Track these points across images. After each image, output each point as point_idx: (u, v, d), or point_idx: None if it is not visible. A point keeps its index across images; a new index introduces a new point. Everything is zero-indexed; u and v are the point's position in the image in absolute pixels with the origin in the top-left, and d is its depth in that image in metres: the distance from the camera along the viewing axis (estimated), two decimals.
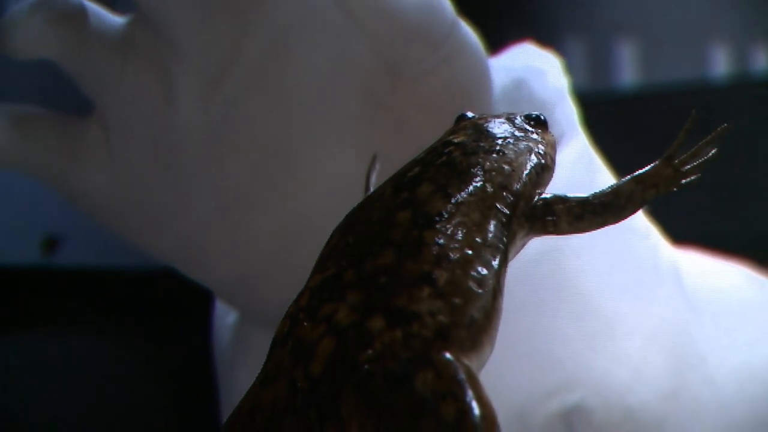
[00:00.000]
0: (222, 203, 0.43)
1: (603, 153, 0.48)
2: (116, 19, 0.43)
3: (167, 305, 0.57)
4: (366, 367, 0.26)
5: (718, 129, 0.31)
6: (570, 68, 0.93)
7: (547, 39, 0.91)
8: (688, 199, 0.72)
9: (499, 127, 0.32)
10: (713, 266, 0.53)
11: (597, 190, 0.32)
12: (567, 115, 0.46)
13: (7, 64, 0.43)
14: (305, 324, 0.28)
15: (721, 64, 0.94)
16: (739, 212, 0.73)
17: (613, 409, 0.44)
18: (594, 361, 0.44)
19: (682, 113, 0.85)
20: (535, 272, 0.42)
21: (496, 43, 0.50)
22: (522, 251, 0.32)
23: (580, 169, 0.43)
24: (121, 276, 0.64)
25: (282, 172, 0.42)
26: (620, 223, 0.44)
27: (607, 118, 0.75)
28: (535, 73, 0.47)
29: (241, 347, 0.47)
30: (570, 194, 0.31)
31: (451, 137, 0.32)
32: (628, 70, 0.93)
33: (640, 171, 0.31)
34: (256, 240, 0.42)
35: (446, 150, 0.31)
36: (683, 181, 0.31)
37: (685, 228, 0.53)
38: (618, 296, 0.45)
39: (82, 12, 0.41)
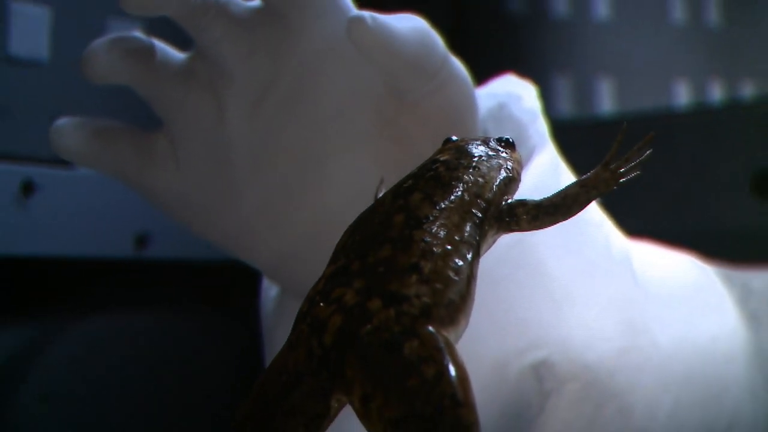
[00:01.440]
0: (264, 200, 0.43)
1: (584, 168, 0.48)
2: (179, 54, 0.43)
3: (230, 287, 0.56)
4: (366, 338, 0.26)
5: (645, 139, 0.30)
6: (558, 99, 0.93)
7: (539, 76, 0.90)
8: (646, 204, 0.71)
9: (476, 148, 0.32)
10: (662, 254, 0.53)
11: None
12: (539, 132, 0.46)
13: (91, 87, 0.42)
14: (320, 304, 0.27)
15: (682, 96, 0.93)
16: (687, 214, 0.72)
17: (573, 363, 0.44)
18: (558, 326, 0.44)
19: (653, 143, 0.85)
20: (510, 256, 0.42)
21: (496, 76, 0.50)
22: (499, 239, 0.31)
23: (549, 174, 0.43)
24: (196, 266, 0.64)
25: (310, 175, 0.43)
26: (580, 217, 0.44)
27: (589, 139, 0.75)
28: (514, 97, 0.47)
29: (280, 314, 0.48)
30: (528, 199, 0.30)
31: (438, 156, 0.31)
32: (606, 101, 0.92)
33: (583, 176, 0.31)
34: (292, 230, 0.42)
35: (433, 166, 0.31)
36: (620, 180, 0.30)
37: (642, 227, 0.53)
38: (577, 275, 0.45)
39: (150, 48, 0.41)
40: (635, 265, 0.48)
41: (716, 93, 0.93)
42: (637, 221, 0.55)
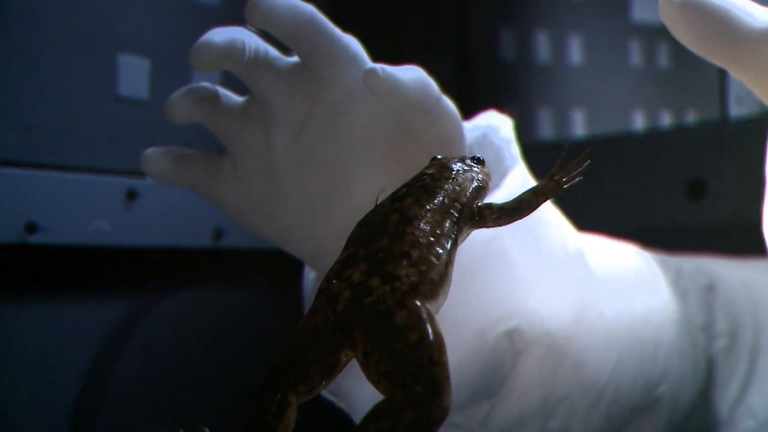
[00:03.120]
0: (302, 208, 0.43)
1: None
2: (238, 98, 0.43)
3: (281, 271, 0.56)
4: (368, 308, 0.26)
5: (581, 156, 0.30)
6: (541, 127, 0.92)
7: (527, 109, 0.91)
8: (604, 204, 0.71)
9: (455, 164, 0.32)
10: (611, 245, 0.53)
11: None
12: (512, 155, 0.46)
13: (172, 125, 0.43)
14: (334, 281, 0.27)
15: (638, 123, 0.92)
16: (635, 213, 0.72)
17: (537, 330, 0.44)
18: (525, 302, 0.44)
19: (611, 155, 0.86)
20: (488, 249, 0.42)
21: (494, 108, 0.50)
22: (479, 237, 0.32)
23: (519, 186, 0.43)
24: (258, 254, 0.64)
25: (337, 189, 0.42)
26: (542, 219, 0.44)
27: (565, 157, 0.74)
28: (493, 129, 0.46)
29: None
30: (494, 203, 0.30)
31: (425, 170, 0.31)
32: (579, 127, 0.91)
33: (535, 185, 0.30)
34: (323, 230, 0.42)
35: (422, 178, 0.31)
36: (563, 188, 0.30)
37: (600, 223, 0.54)
38: (540, 264, 0.44)
39: (215, 95, 0.41)
40: (587, 254, 0.48)
41: (665, 120, 0.93)
42: (595, 219, 0.55)
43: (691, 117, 0.94)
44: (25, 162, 0.57)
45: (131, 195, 0.60)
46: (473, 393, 0.44)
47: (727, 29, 0.30)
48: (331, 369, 0.27)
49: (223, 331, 0.67)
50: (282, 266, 0.53)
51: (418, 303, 0.26)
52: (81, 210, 0.58)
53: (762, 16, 0.30)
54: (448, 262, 0.28)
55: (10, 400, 0.58)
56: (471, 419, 0.45)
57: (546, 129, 0.89)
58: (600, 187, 0.73)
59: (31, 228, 0.56)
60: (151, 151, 0.42)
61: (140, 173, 0.45)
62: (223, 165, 0.43)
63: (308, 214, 0.43)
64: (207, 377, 0.63)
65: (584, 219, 0.51)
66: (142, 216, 0.61)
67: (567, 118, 0.91)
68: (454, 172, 0.31)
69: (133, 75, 0.62)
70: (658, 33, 0.89)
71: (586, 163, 0.30)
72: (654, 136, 0.86)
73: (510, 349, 0.43)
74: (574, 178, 0.30)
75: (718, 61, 0.31)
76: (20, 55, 0.57)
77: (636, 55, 0.93)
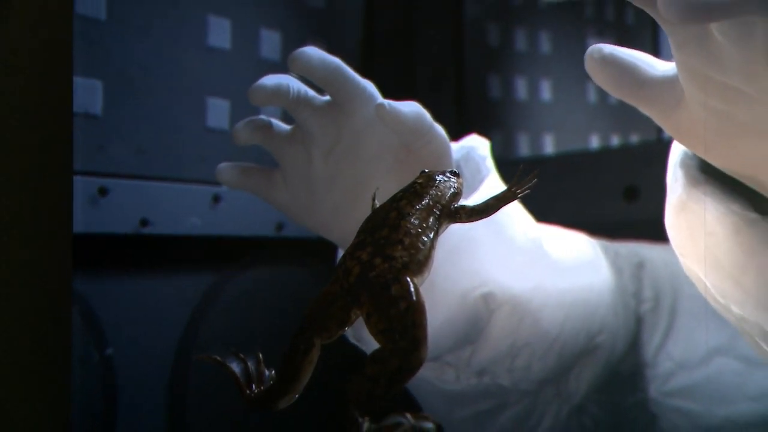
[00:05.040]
0: (333, 207, 0.42)
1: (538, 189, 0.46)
2: (286, 126, 0.42)
3: (321, 253, 0.55)
4: (372, 280, 0.26)
5: (532, 174, 0.30)
6: (520, 147, 0.91)
7: (509, 134, 0.90)
8: (562, 205, 0.71)
9: (438, 176, 0.31)
10: (565, 233, 0.52)
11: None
12: (487, 167, 0.45)
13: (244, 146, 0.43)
14: (348, 260, 0.27)
15: (594, 143, 0.91)
16: (585, 211, 0.71)
17: (505, 294, 0.43)
18: (496, 274, 0.43)
19: (571, 167, 0.84)
20: (468, 235, 0.42)
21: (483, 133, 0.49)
22: (461, 225, 0.31)
23: (491, 190, 0.43)
24: (307, 240, 0.63)
25: (359, 192, 0.42)
26: (509, 216, 0.44)
27: (541, 172, 0.74)
28: (474, 148, 0.46)
29: None
30: (467, 204, 0.30)
31: (417, 180, 0.31)
32: (549, 148, 0.91)
33: (498, 193, 0.30)
34: (349, 221, 0.41)
35: (414, 185, 0.30)
36: (518, 196, 0.30)
37: (558, 219, 0.53)
38: (507, 248, 0.44)
39: (269, 124, 0.41)
40: (546, 240, 0.48)
41: (613, 141, 0.92)
42: (556, 215, 0.54)
43: (634, 138, 0.93)
44: (139, 175, 0.57)
45: (216, 199, 0.60)
46: (459, 340, 0.44)
47: (635, 77, 0.29)
48: (344, 323, 0.27)
49: (281, 298, 0.66)
50: (323, 249, 0.53)
51: (408, 278, 0.26)
52: (180, 209, 0.58)
53: (660, 67, 0.30)
54: (431, 247, 0.28)
55: (133, 344, 0.58)
56: (458, 359, 0.45)
57: (523, 149, 0.88)
58: (561, 190, 0.73)
59: (144, 222, 0.56)
60: (223, 165, 0.42)
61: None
62: (276, 176, 0.43)
63: (338, 211, 0.43)
64: (270, 331, 0.61)
65: (548, 215, 0.52)
66: (224, 214, 0.61)
67: (539, 140, 0.90)
68: (437, 182, 0.31)
69: (218, 112, 0.62)
70: None
71: (534, 181, 0.30)
72: (603, 153, 0.85)
73: (485, 308, 0.43)
74: (525, 190, 0.30)
75: (629, 101, 0.30)
76: (135, 97, 0.57)
77: (592, 94, 0.92)
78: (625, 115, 0.93)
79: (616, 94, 0.30)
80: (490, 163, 0.46)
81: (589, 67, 0.29)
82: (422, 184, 0.31)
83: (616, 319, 0.51)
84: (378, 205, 0.31)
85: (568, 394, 0.49)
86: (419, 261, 0.27)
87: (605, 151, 0.86)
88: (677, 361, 0.51)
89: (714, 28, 0.25)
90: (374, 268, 0.27)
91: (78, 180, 0.53)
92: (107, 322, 0.56)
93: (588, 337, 0.48)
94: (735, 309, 0.30)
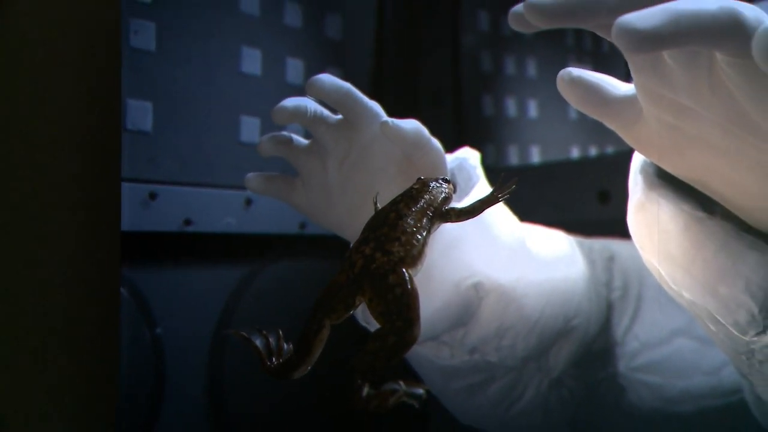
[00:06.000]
0: (346, 209, 0.42)
1: (524, 192, 0.45)
2: (305, 140, 0.42)
3: (337, 248, 0.55)
4: (373, 271, 0.26)
5: (511, 181, 0.30)
6: (510, 157, 0.91)
7: (501, 146, 0.90)
8: (542, 207, 0.70)
9: (432, 183, 0.31)
10: (544, 230, 0.51)
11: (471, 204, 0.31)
12: (477, 175, 0.44)
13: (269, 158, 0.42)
14: (353, 254, 0.27)
15: (575, 153, 0.90)
16: (563, 212, 0.71)
17: (493, 283, 0.43)
18: (484, 266, 0.43)
19: (555, 174, 0.83)
20: (460, 233, 0.41)
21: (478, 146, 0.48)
22: (455, 224, 0.31)
23: (480, 195, 0.42)
24: (326, 237, 0.61)
25: (367, 197, 0.41)
26: (495, 216, 0.44)
27: (527, 177, 0.73)
28: (466, 159, 0.45)
29: None
30: (456, 207, 0.30)
31: (413, 185, 0.31)
32: (535, 158, 0.90)
33: (483, 197, 0.30)
34: (359, 223, 0.41)
35: (411, 190, 0.30)
36: (499, 200, 0.30)
37: (539, 219, 0.52)
38: (493, 243, 0.43)
39: (289, 139, 0.41)
40: (528, 238, 0.47)
41: (592, 152, 0.91)
42: (538, 216, 0.54)
43: (608, 149, 0.92)
44: (183, 182, 0.57)
45: (248, 202, 0.60)
46: (452, 323, 0.43)
47: (600, 96, 0.29)
48: (350, 307, 0.27)
49: (302, 286, 0.65)
50: (339, 246, 0.52)
51: (404, 270, 0.26)
52: (217, 211, 0.58)
53: (622, 87, 0.30)
54: (424, 243, 0.28)
55: (178, 324, 0.58)
56: (453, 339, 0.45)
57: (513, 159, 0.88)
58: (544, 194, 0.72)
59: (187, 222, 0.56)
60: (250, 174, 0.42)
61: None
62: (296, 183, 0.43)
63: (349, 213, 0.43)
64: (292, 314, 0.58)
65: (532, 215, 0.51)
66: (254, 214, 0.60)
67: (527, 152, 0.89)
68: (430, 187, 0.31)
69: (249, 128, 0.62)
70: None
71: (513, 187, 0.30)
72: (581, 162, 0.85)
73: (475, 295, 0.43)
74: (505, 194, 0.30)
75: (596, 116, 0.30)
76: (180, 116, 0.57)
77: (573, 112, 0.92)
78: (601, 130, 0.93)
79: (584, 110, 0.30)
80: (480, 172, 0.45)
81: (561, 87, 0.29)
82: (418, 189, 0.31)
83: (590, 305, 0.50)
84: (380, 207, 0.31)
85: (547, 369, 0.49)
86: (413, 255, 0.27)
87: (583, 161, 0.86)
88: (642, 341, 0.51)
89: (666, 54, 0.25)
90: (375, 261, 0.27)
91: (132, 186, 0.53)
92: (156, 305, 0.57)
93: (565, 320, 0.48)
94: (686, 294, 0.30)
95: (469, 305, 0.43)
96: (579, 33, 0.97)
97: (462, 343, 0.45)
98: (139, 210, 0.53)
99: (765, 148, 0.25)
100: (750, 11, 0.21)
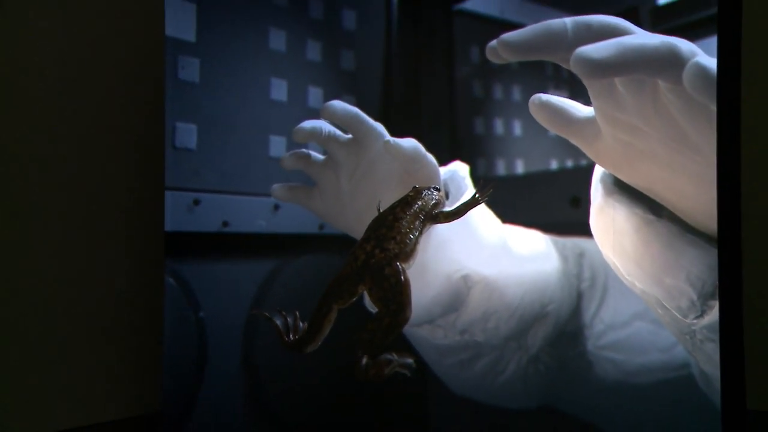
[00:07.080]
0: (356, 215, 0.42)
1: (510, 198, 0.44)
2: (321, 156, 0.42)
3: (349, 246, 0.54)
4: (373, 265, 0.28)
5: (490, 185, 0.30)
6: (497, 168, 0.89)
7: (490, 159, 0.88)
8: (525, 211, 0.69)
9: (424, 190, 0.32)
10: (524, 231, 0.51)
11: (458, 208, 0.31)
12: (466, 184, 0.43)
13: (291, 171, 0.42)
14: (357, 250, 0.28)
15: (554, 165, 0.89)
16: (543, 214, 0.70)
17: (479, 275, 0.43)
18: (471, 261, 0.43)
19: (536, 184, 0.81)
20: (449, 232, 0.40)
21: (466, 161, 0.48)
22: (445, 227, 0.31)
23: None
24: (339, 237, 0.61)
25: (373, 204, 0.38)
26: (480, 218, 0.43)
27: (512, 184, 0.72)
28: (455, 171, 0.44)
29: None
30: (445, 210, 0.31)
31: (409, 193, 0.32)
32: (520, 168, 0.89)
33: (466, 200, 0.31)
34: (366, 225, 0.41)
35: (407, 197, 0.32)
36: (480, 203, 0.30)
37: (520, 221, 0.52)
38: (477, 242, 0.43)
39: (308, 155, 0.41)
40: (509, 237, 0.47)
41: (568, 164, 0.90)
42: (519, 218, 0.53)
43: (583, 162, 0.91)
44: (222, 190, 0.56)
45: (276, 207, 0.59)
46: (445, 309, 0.44)
47: (564, 117, 0.30)
48: (353, 294, 0.28)
49: (320, 278, 0.63)
50: (351, 243, 0.52)
51: (398, 264, 0.28)
52: (250, 214, 0.58)
53: (584, 110, 0.30)
54: (416, 242, 0.29)
55: (217, 309, 0.58)
56: (445, 323, 0.45)
57: (501, 170, 0.87)
58: (525, 199, 0.71)
59: (225, 224, 0.55)
60: (276, 184, 0.44)
61: None
62: (314, 192, 0.44)
63: (358, 217, 0.42)
64: (312, 301, 0.58)
65: (514, 217, 0.51)
66: (281, 217, 0.60)
67: (512, 164, 0.89)
68: (423, 194, 0.32)
69: (277, 146, 0.61)
70: None
71: (489, 191, 0.31)
72: (558, 172, 0.84)
73: (464, 286, 0.43)
74: (484, 198, 0.31)
75: (561, 134, 0.31)
76: (219, 136, 0.57)
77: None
78: (575, 146, 0.92)
79: (551, 129, 0.30)
80: (468, 182, 0.45)
81: (532, 110, 0.30)
82: (412, 196, 0.32)
83: (562, 294, 0.50)
84: (381, 211, 0.32)
85: (526, 348, 0.49)
86: (407, 252, 0.29)
87: (558, 171, 0.85)
88: (607, 323, 0.51)
89: (618, 82, 0.25)
90: (374, 256, 0.28)
91: (179, 194, 0.53)
92: (200, 293, 0.57)
93: (541, 306, 0.48)
94: (638, 284, 0.30)
95: (459, 294, 0.44)
96: (557, 64, 0.96)
97: (453, 325, 0.45)
98: (185, 214, 0.54)
99: (699, 160, 0.25)
100: (685, 46, 0.21)
